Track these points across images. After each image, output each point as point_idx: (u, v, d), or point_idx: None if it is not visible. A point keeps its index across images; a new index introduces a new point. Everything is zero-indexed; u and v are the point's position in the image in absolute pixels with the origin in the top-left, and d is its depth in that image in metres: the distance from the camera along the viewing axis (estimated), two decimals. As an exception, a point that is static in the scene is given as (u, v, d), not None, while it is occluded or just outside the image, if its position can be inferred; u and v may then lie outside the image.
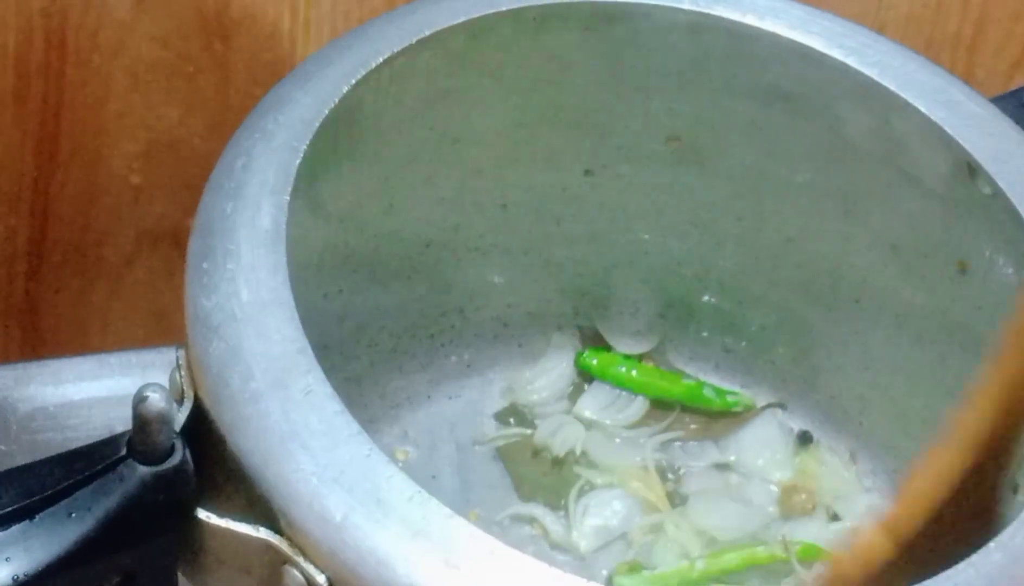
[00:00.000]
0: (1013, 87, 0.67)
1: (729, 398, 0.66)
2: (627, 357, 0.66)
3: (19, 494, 0.45)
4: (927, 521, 0.49)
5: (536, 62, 0.60)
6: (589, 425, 0.65)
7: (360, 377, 0.63)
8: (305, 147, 0.52)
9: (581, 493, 0.63)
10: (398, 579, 0.43)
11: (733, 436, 0.65)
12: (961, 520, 0.49)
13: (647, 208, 0.64)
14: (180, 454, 0.46)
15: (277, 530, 0.45)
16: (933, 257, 0.59)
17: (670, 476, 0.64)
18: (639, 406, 0.65)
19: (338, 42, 0.56)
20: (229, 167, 0.52)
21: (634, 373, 0.66)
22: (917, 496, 0.49)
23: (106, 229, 0.76)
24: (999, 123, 0.57)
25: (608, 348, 0.66)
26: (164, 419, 0.45)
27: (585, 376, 0.66)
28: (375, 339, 0.64)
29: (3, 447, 0.64)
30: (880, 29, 0.62)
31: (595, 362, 0.66)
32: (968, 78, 0.60)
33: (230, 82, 0.73)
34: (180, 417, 0.47)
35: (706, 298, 0.66)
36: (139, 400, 0.45)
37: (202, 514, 0.47)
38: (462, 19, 0.57)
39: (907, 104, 0.57)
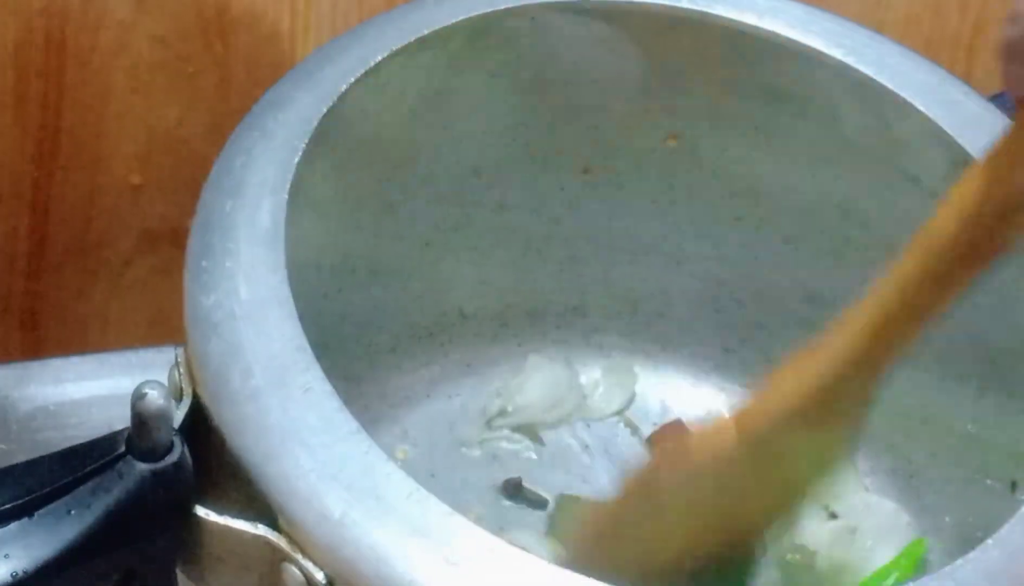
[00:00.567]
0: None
1: None
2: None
3: (18, 491, 0.45)
4: (778, 422, 0.50)
5: (536, 62, 0.60)
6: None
7: (360, 376, 0.63)
8: (304, 146, 0.52)
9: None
10: (397, 576, 0.43)
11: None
12: (818, 428, 0.50)
13: (646, 207, 0.64)
14: (179, 451, 0.46)
15: (276, 527, 0.45)
16: (932, 256, 0.59)
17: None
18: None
19: (338, 41, 0.56)
20: (228, 166, 0.52)
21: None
22: (774, 396, 0.51)
23: (106, 229, 0.76)
24: (998, 123, 0.57)
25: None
26: (163, 416, 0.45)
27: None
28: (374, 338, 0.64)
29: (3, 446, 0.64)
30: (879, 29, 0.62)
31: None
32: (967, 78, 0.60)
33: (230, 82, 0.73)
34: (179, 414, 0.47)
35: (705, 297, 0.66)
36: (138, 397, 0.45)
37: (201, 511, 0.47)
38: (462, 18, 0.57)
39: (906, 103, 0.57)
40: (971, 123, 0.57)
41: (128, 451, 0.46)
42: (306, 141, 0.52)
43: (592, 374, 0.67)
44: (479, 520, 0.46)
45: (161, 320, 0.78)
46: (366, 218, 0.60)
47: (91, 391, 0.67)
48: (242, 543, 0.46)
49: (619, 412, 0.66)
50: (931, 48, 0.77)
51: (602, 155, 0.63)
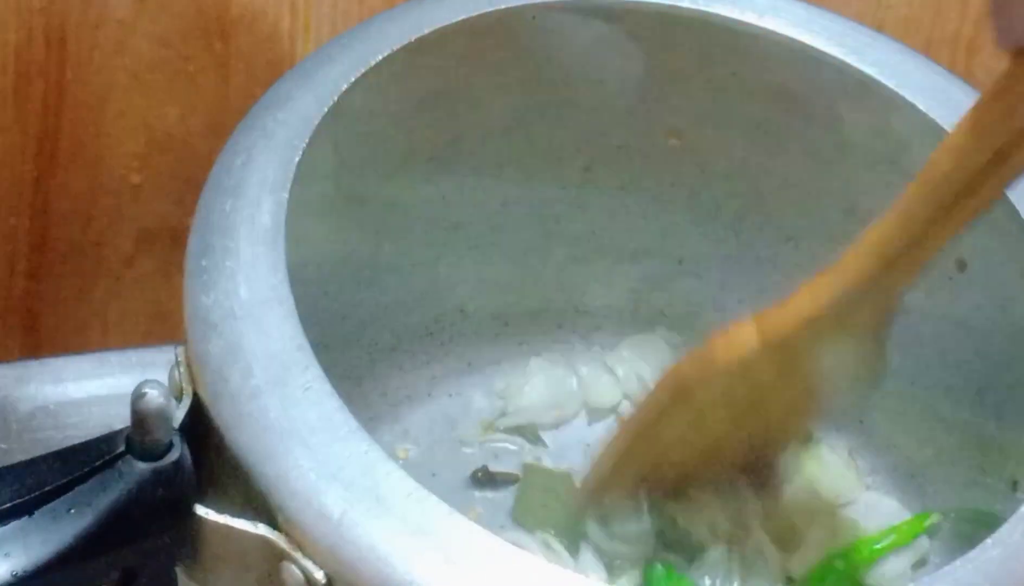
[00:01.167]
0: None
1: None
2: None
3: (18, 490, 0.45)
4: (799, 326, 0.52)
5: (536, 61, 0.60)
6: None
7: (361, 375, 0.63)
8: (304, 145, 0.52)
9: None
10: (397, 576, 0.43)
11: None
12: (839, 336, 0.52)
13: (647, 206, 0.64)
14: (179, 450, 0.46)
15: (276, 526, 0.45)
16: (932, 256, 0.59)
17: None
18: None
19: (338, 41, 0.56)
20: (228, 165, 0.52)
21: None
22: (794, 305, 0.52)
23: (106, 229, 0.76)
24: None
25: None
26: (162, 415, 0.45)
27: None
28: (375, 337, 0.64)
29: (3, 446, 0.64)
30: (879, 28, 0.62)
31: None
32: (967, 77, 0.60)
33: (230, 82, 0.73)
34: (179, 413, 0.47)
35: (707, 297, 0.66)
36: (137, 396, 0.45)
37: (200, 510, 0.47)
38: (462, 18, 0.57)
39: (907, 103, 0.57)
40: (971, 122, 0.57)
41: (128, 450, 0.46)
42: (306, 140, 0.52)
43: (592, 370, 0.67)
44: (479, 519, 0.46)
45: (161, 319, 0.78)
46: (366, 217, 0.60)
47: (91, 390, 0.67)
48: (242, 542, 0.46)
49: (615, 408, 0.66)
50: (931, 48, 0.77)
51: (603, 154, 0.63)
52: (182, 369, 0.48)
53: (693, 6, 0.59)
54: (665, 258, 0.66)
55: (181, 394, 0.48)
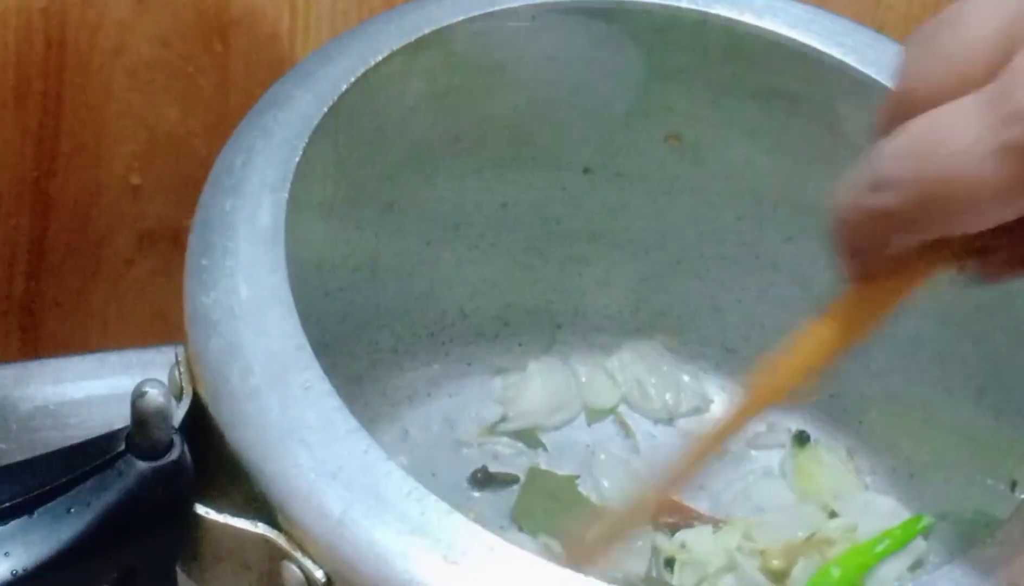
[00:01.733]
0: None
1: None
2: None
3: (18, 490, 0.45)
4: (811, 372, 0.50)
5: (536, 61, 0.60)
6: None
7: (361, 375, 0.63)
8: (305, 145, 0.52)
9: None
10: (397, 575, 0.43)
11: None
12: None
13: (647, 207, 0.64)
14: (179, 450, 0.46)
15: (275, 526, 0.45)
16: (932, 256, 0.59)
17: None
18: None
19: (338, 40, 0.56)
20: (229, 165, 0.52)
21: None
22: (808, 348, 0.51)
23: (106, 229, 0.76)
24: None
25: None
26: (163, 415, 0.45)
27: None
28: (375, 337, 0.64)
29: (3, 445, 0.64)
30: (879, 28, 0.62)
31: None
32: (968, 77, 0.60)
33: (230, 82, 0.73)
34: (179, 413, 0.47)
35: (707, 297, 0.66)
36: (138, 395, 0.45)
37: (201, 510, 0.47)
38: (462, 18, 0.57)
39: (907, 103, 0.57)
40: (971, 123, 0.56)
41: (128, 449, 0.46)
42: (306, 140, 0.52)
43: (591, 371, 0.67)
44: (478, 520, 0.46)
45: (161, 319, 0.78)
46: (367, 217, 0.60)
47: (91, 390, 0.67)
48: (242, 541, 0.46)
49: (613, 409, 0.66)
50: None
51: (603, 155, 0.63)
52: (182, 368, 0.48)
53: (693, 6, 0.59)
54: (665, 259, 0.66)
55: (181, 393, 0.48)
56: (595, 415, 0.66)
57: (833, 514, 0.63)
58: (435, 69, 0.58)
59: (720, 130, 0.62)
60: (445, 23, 0.57)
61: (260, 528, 0.46)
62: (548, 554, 0.60)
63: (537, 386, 0.66)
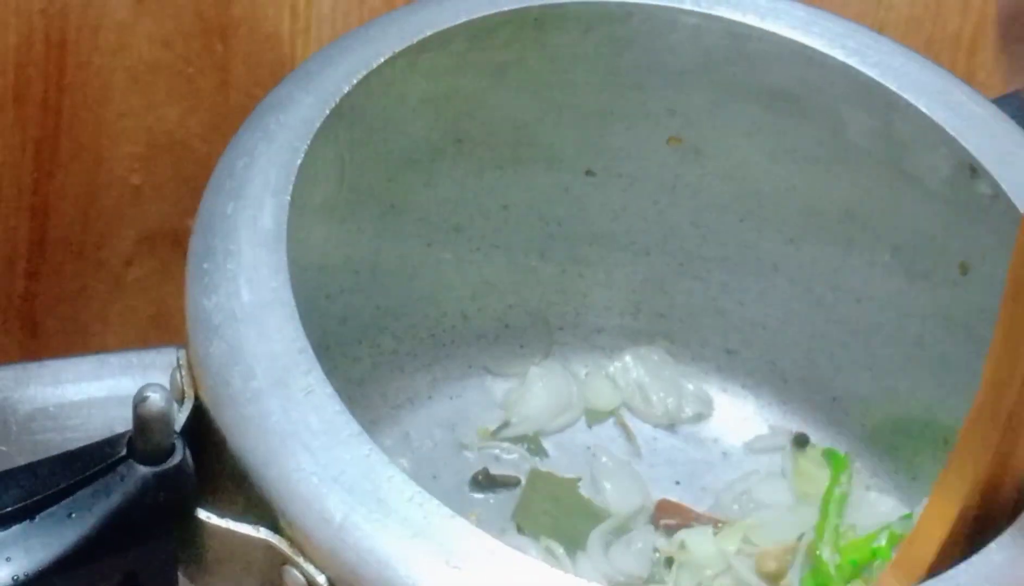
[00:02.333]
0: (1013, 87, 0.67)
1: None
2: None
3: (19, 494, 0.45)
4: (940, 556, 0.48)
5: (537, 63, 0.60)
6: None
7: (362, 378, 0.63)
8: (306, 147, 0.52)
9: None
10: (399, 579, 0.43)
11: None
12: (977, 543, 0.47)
13: (648, 208, 0.64)
14: (180, 454, 0.46)
15: (277, 530, 0.45)
16: (934, 258, 0.59)
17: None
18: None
19: (339, 42, 0.56)
20: (230, 167, 0.52)
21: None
22: (926, 533, 0.49)
23: (106, 229, 0.76)
24: (1000, 124, 0.57)
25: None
26: (164, 419, 0.45)
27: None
28: (377, 340, 0.64)
29: (3, 448, 0.64)
30: (880, 29, 0.62)
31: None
32: (968, 79, 0.60)
33: (230, 83, 0.73)
34: (180, 417, 0.47)
35: (708, 299, 0.66)
36: (139, 400, 0.45)
37: (202, 514, 0.47)
38: (463, 20, 0.57)
39: (908, 105, 0.57)
40: (973, 124, 0.57)
41: (129, 454, 0.46)
42: (308, 143, 0.52)
43: (592, 374, 0.67)
44: (479, 522, 0.46)
45: (161, 321, 0.78)
46: (368, 219, 0.60)
47: (91, 392, 0.66)
48: (243, 546, 0.46)
49: (614, 411, 0.66)
50: (932, 49, 0.77)
51: (604, 156, 0.63)
52: (183, 372, 0.48)
53: (694, 7, 0.59)
54: (666, 260, 0.66)
55: (182, 397, 0.48)
56: (596, 417, 0.66)
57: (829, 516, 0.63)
58: (436, 71, 0.58)
59: (722, 132, 0.62)
60: (446, 25, 0.56)
61: (262, 533, 0.46)
62: (550, 557, 0.60)
63: (538, 391, 0.66)
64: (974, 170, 0.56)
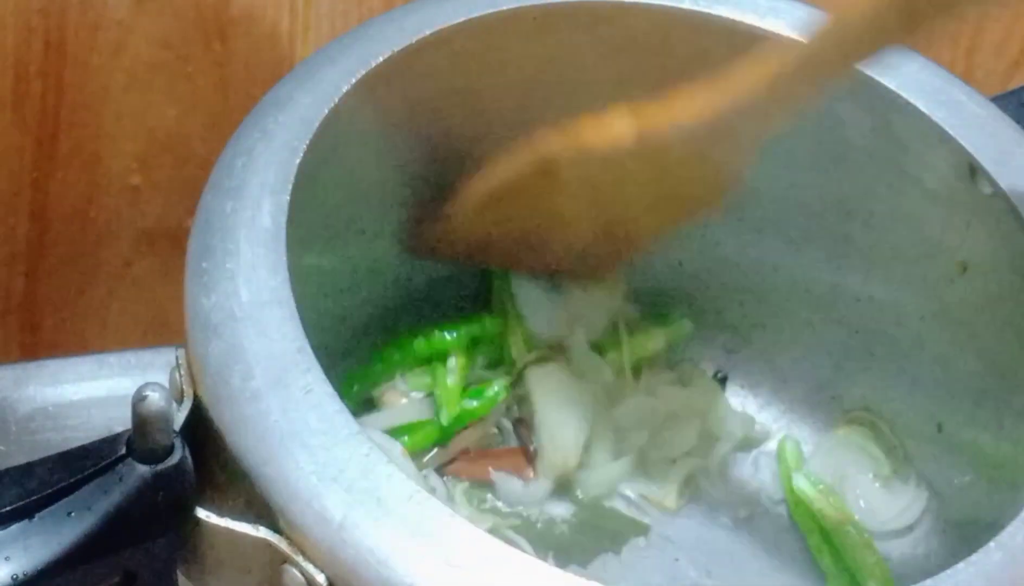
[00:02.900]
0: (1013, 87, 0.67)
1: None
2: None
3: (18, 493, 0.45)
4: (674, 130, 0.52)
5: (536, 62, 0.60)
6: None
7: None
8: (305, 146, 0.52)
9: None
10: (398, 578, 0.43)
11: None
12: (708, 153, 0.52)
13: (648, 208, 0.64)
14: (179, 453, 0.46)
15: (276, 529, 0.45)
16: (934, 257, 0.59)
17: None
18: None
19: (338, 42, 0.56)
20: (229, 166, 0.52)
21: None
22: (674, 105, 0.52)
23: (105, 229, 0.76)
24: (999, 123, 0.57)
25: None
26: (164, 418, 0.45)
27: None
28: (376, 339, 0.64)
29: (2, 447, 0.64)
30: (880, 29, 0.62)
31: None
32: (967, 78, 0.60)
33: (229, 82, 0.73)
34: (180, 416, 0.47)
35: (707, 298, 0.66)
36: (139, 399, 0.45)
37: (202, 513, 0.47)
38: (462, 19, 0.57)
39: (907, 104, 0.57)
40: (972, 123, 0.57)
41: (129, 453, 0.46)
42: (307, 142, 0.52)
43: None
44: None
45: (160, 321, 0.78)
46: (367, 218, 0.60)
47: (90, 392, 0.66)
48: (243, 545, 0.46)
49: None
50: (931, 48, 0.77)
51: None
52: (182, 371, 0.48)
53: (694, 7, 0.59)
54: (665, 260, 0.65)
55: (182, 397, 0.48)
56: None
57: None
58: (436, 70, 0.58)
59: (721, 131, 0.62)
60: (445, 24, 0.56)
61: (261, 532, 0.45)
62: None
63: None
64: (973, 169, 0.56)
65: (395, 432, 0.61)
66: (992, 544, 0.45)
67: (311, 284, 0.55)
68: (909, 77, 0.58)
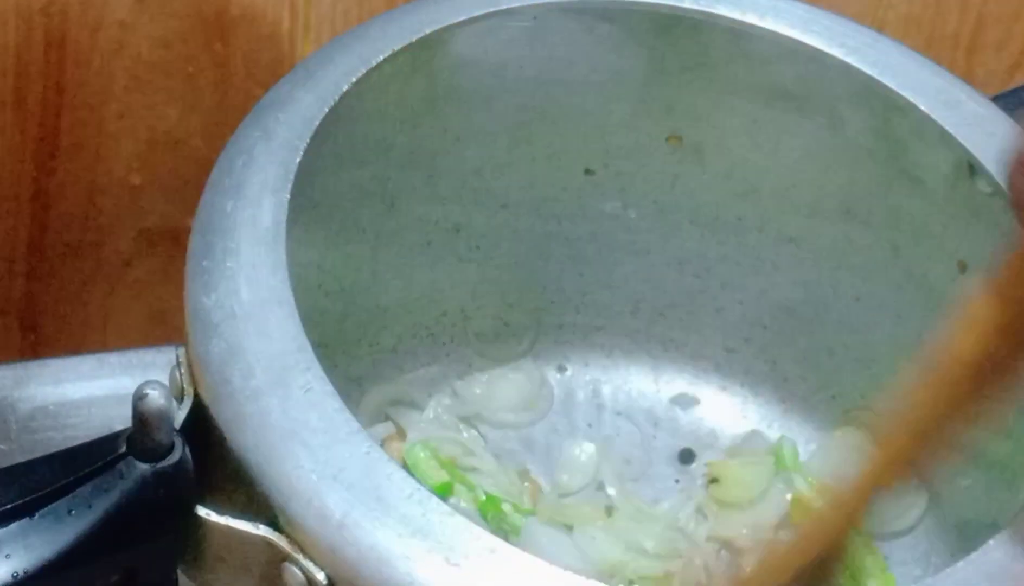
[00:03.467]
0: (1013, 86, 0.67)
1: None
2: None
3: (19, 491, 0.45)
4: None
5: (536, 62, 0.60)
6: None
7: (361, 376, 0.63)
8: (306, 145, 0.52)
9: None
10: (398, 577, 0.43)
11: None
12: None
13: (648, 208, 0.64)
14: (180, 451, 0.46)
15: (277, 527, 0.45)
16: (933, 257, 0.59)
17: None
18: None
19: (339, 41, 0.56)
20: (230, 165, 0.52)
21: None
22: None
23: (105, 229, 0.76)
24: (999, 122, 0.57)
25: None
26: (164, 416, 0.45)
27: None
28: (376, 338, 0.64)
29: (3, 447, 0.64)
30: (880, 28, 0.62)
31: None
32: (968, 77, 0.60)
33: (230, 82, 0.73)
34: (180, 415, 0.47)
35: (707, 298, 0.66)
36: (139, 397, 0.45)
37: (202, 511, 0.47)
38: (462, 18, 0.57)
39: (908, 103, 0.57)
40: (972, 123, 0.57)
41: (129, 451, 0.46)
42: (307, 141, 0.52)
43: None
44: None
45: (161, 320, 0.78)
46: (367, 217, 0.60)
47: (91, 391, 0.67)
48: (243, 543, 0.46)
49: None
50: (931, 48, 0.77)
51: (604, 155, 0.63)
52: (183, 370, 0.48)
53: (694, 6, 0.59)
54: (666, 259, 0.65)
55: (182, 395, 0.48)
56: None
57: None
58: (436, 69, 0.58)
59: (722, 130, 0.62)
60: (446, 23, 0.57)
61: (261, 530, 0.46)
62: None
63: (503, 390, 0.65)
64: (973, 168, 0.56)
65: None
66: (991, 542, 0.46)
67: (311, 283, 0.55)
68: (909, 76, 0.58)
